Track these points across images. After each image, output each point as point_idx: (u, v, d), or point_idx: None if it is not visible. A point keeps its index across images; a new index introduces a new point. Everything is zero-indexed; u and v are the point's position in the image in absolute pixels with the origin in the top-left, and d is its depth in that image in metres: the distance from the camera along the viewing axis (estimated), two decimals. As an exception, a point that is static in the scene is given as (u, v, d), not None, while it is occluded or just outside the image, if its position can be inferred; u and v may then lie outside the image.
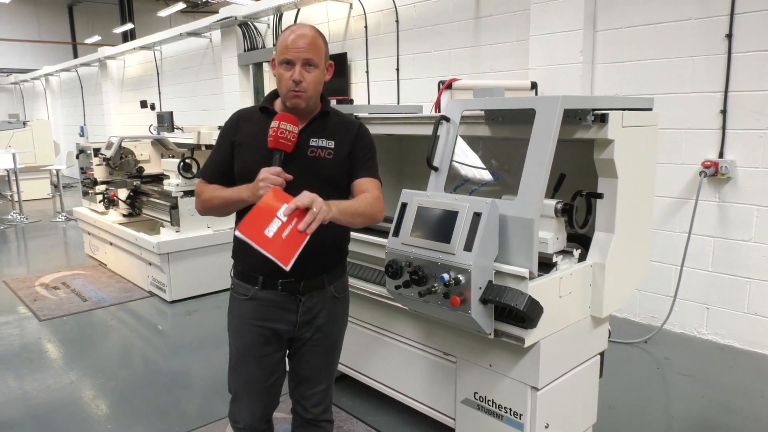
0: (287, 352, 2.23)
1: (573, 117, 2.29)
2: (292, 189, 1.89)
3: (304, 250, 1.79)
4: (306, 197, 1.76)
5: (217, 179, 2.07)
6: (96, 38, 18.89)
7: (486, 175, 2.64)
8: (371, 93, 6.84)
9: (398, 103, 6.45)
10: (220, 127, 2.44)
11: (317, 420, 2.29)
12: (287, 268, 1.75)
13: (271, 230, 1.76)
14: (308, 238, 1.77)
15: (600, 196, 2.39)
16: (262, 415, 2.20)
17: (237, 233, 1.78)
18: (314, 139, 2.05)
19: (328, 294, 2.14)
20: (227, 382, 2.23)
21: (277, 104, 2.09)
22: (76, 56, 19.19)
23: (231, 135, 2.08)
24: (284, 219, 1.77)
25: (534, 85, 4.71)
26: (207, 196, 2.04)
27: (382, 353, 3.04)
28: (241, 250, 2.08)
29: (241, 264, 2.11)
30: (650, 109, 2.59)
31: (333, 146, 2.06)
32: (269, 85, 8.39)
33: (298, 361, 2.21)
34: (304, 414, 2.27)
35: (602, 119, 2.25)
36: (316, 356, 2.19)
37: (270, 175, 1.86)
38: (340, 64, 7.06)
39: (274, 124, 1.92)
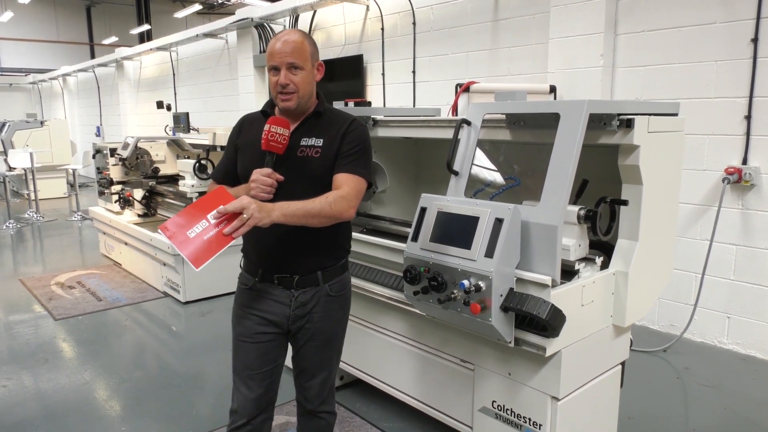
0: (287, 347, 2.28)
1: (597, 122, 2.24)
2: (283, 189, 2.03)
3: (298, 248, 2.05)
4: (237, 202, 1.82)
5: (224, 180, 2.19)
6: (113, 39, 19.10)
7: (507, 180, 2.59)
8: (387, 95, 6.81)
9: (414, 105, 6.41)
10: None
11: (317, 411, 2.33)
12: (197, 269, 1.82)
13: (194, 231, 1.83)
14: (232, 241, 1.84)
15: (625, 202, 2.33)
16: (255, 401, 2.18)
17: (159, 230, 1.88)
18: (305, 139, 2.11)
19: (323, 291, 2.17)
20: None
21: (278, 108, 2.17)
22: (93, 57, 19.40)
23: (235, 138, 2.23)
24: (213, 222, 1.84)
25: (553, 89, 4.65)
26: None
27: (398, 359, 3.00)
28: (246, 245, 2.19)
29: (246, 257, 2.22)
30: (676, 114, 2.53)
31: (321, 144, 2.09)
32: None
33: (297, 353, 2.26)
34: (305, 404, 2.33)
35: (628, 124, 2.20)
36: (313, 351, 2.23)
37: (261, 176, 2.00)
38: (356, 66, 7.05)
39: (266, 127, 2.01)
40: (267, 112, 2.16)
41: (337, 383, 3.50)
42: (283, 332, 2.19)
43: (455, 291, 2.14)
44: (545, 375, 2.26)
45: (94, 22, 21.23)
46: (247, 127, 2.21)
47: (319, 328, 2.19)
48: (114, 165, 6.59)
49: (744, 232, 4.03)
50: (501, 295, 2.08)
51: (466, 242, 2.15)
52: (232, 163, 2.20)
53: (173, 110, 11.08)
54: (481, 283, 2.06)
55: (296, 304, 2.14)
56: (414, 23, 6.31)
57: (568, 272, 2.29)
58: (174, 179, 6.35)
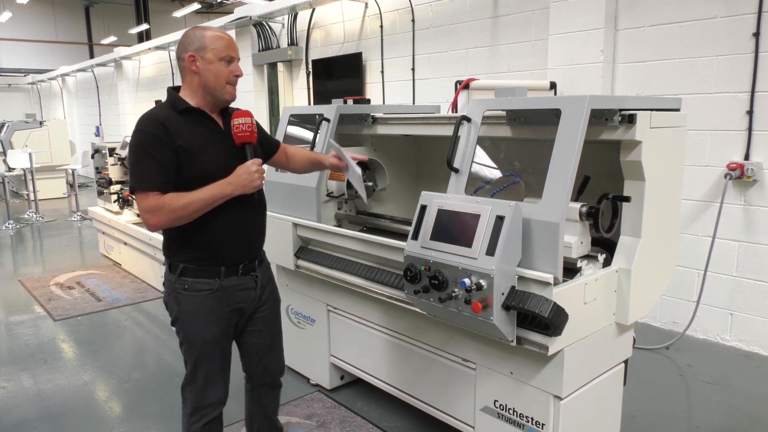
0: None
1: (599, 117, 2.22)
2: None
3: (258, 234, 2.32)
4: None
5: (170, 188, 2.04)
6: (112, 39, 19.08)
7: (508, 178, 2.57)
8: (386, 93, 6.79)
9: (413, 103, 6.39)
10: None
11: (279, 381, 2.59)
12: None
13: None
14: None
15: (627, 199, 2.31)
16: (227, 385, 2.34)
17: None
18: None
19: (265, 264, 2.43)
20: (190, 375, 2.26)
21: (190, 102, 2.14)
22: (92, 56, 19.36)
23: (170, 141, 2.03)
24: None
25: (553, 85, 4.62)
26: (180, 204, 2.01)
27: (398, 358, 2.98)
28: (206, 252, 2.16)
29: (204, 262, 2.17)
30: (678, 110, 2.51)
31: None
32: (283, 85, 8.37)
33: (257, 335, 2.41)
34: (273, 381, 2.55)
35: (630, 120, 2.18)
36: (272, 321, 2.46)
37: (260, 166, 2.12)
38: (355, 64, 7.02)
39: (244, 120, 2.13)
40: (191, 108, 2.12)
41: (337, 383, 3.50)
42: (244, 317, 2.34)
43: (456, 289, 2.12)
44: (548, 374, 2.24)
45: (93, 22, 21.18)
46: (178, 128, 2.06)
47: (274, 297, 2.46)
48: (113, 165, 6.57)
49: (746, 228, 4.00)
50: (502, 294, 2.05)
51: (466, 240, 2.12)
52: (173, 169, 2.04)
53: (172, 109, 11.04)
54: (483, 282, 2.04)
55: (261, 283, 2.33)
56: (413, 20, 6.28)
57: (570, 270, 2.27)
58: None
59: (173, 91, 2.17)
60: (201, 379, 2.24)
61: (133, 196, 2.09)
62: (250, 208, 2.20)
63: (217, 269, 2.16)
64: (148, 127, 2.06)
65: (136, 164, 2.05)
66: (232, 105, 2.29)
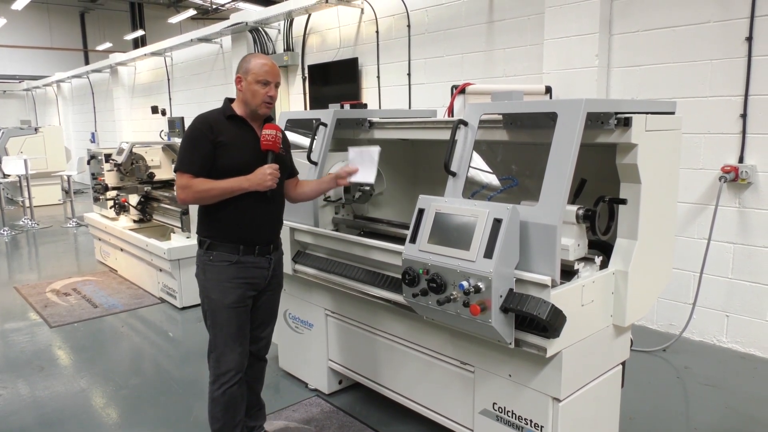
0: None
1: (595, 121, 2.23)
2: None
3: (277, 224, 2.71)
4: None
5: (203, 174, 2.49)
6: (107, 45, 19.04)
7: (505, 181, 2.58)
8: (382, 98, 6.81)
9: (410, 108, 6.41)
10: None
11: (263, 356, 2.88)
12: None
13: None
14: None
15: (623, 201, 2.33)
16: (245, 354, 2.66)
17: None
18: None
19: (280, 251, 2.79)
20: (212, 341, 2.61)
21: (237, 111, 2.60)
22: (87, 63, 19.31)
23: (212, 136, 2.49)
24: None
25: (548, 90, 4.64)
26: (204, 188, 2.46)
27: (397, 362, 2.98)
28: (228, 230, 2.56)
29: (226, 239, 2.57)
30: (673, 113, 2.53)
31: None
32: (280, 91, 8.35)
33: (256, 310, 2.72)
34: (259, 352, 2.84)
35: (625, 123, 2.19)
36: (272, 300, 2.81)
37: (275, 171, 2.50)
38: (351, 69, 7.04)
39: (270, 132, 2.54)
40: (236, 115, 2.59)
41: (336, 387, 3.50)
42: (257, 293, 2.67)
43: (454, 292, 2.13)
44: (546, 376, 2.24)
45: (88, 28, 21.14)
46: (219, 128, 2.52)
47: (279, 282, 2.83)
48: (109, 171, 6.56)
49: (741, 231, 4.03)
50: (501, 296, 2.06)
51: (464, 243, 2.14)
52: (209, 158, 2.49)
53: (168, 115, 11.06)
54: (481, 284, 2.05)
55: (273, 265, 2.70)
56: (409, 26, 6.31)
57: (568, 272, 2.28)
58: (169, 184, 6.31)
59: (228, 101, 2.63)
60: (220, 344, 2.58)
61: (175, 173, 2.55)
62: (264, 202, 2.56)
63: (237, 246, 2.56)
64: (199, 124, 2.54)
65: (183, 149, 2.52)
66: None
